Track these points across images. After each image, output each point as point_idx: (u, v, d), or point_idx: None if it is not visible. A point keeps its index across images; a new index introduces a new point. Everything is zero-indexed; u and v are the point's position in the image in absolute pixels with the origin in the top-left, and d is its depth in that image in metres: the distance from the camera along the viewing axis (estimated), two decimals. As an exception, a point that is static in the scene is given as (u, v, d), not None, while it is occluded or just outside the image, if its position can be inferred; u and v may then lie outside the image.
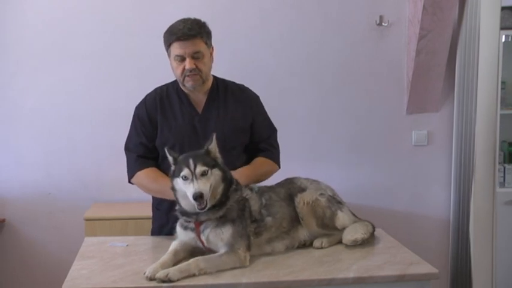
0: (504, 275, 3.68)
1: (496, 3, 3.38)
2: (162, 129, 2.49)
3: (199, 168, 2.06)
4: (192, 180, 2.05)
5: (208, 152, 2.13)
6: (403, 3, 3.67)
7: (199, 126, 2.48)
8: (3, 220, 3.55)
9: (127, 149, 2.55)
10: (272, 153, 2.61)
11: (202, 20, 2.47)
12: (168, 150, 2.17)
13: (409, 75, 3.70)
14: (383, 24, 3.66)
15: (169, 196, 2.27)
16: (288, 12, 3.64)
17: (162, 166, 2.49)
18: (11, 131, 3.54)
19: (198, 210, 2.07)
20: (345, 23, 3.68)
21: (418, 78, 3.65)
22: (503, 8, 3.46)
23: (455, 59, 3.70)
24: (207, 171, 2.07)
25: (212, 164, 2.10)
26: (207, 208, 2.06)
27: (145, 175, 2.48)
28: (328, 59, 3.70)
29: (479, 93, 3.46)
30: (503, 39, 3.61)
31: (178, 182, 2.10)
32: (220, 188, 2.11)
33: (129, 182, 2.55)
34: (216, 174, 2.10)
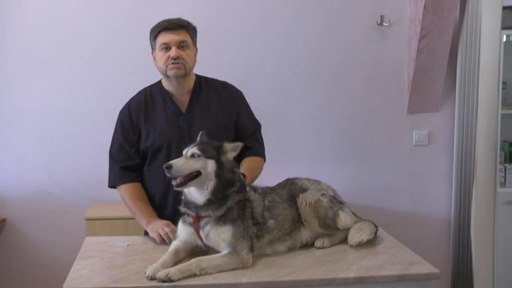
0: (505, 275, 3.68)
1: (497, 3, 3.38)
2: (148, 132, 2.50)
3: (191, 150, 2.11)
4: (182, 156, 2.11)
5: (220, 147, 2.14)
6: (404, 3, 3.67)
7: (184, 125, 2.49)
8: (4, 220, 3.55)
9: (110, 155, 2.58)
10: (259, 149, 2.63)
11: (194, 19, 2.53)
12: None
13: (410, 75, 3.70)
14: (384, 24, 3.66)
15: (139, 221, 2.47)
16: (289, 12, 3.64)
17: (149, 167, 2.52)
18: (12, 131, 3.54)
19: (174, 187, 2.11)
20: (346, 23, 3.68)
21: (419, 78, 3.65)
22: (504, 8, 3.46)
23: (456, 59, 3.70)
24: (198, 155, 2.09)
25: (210, 155, 2.10)
26: (177, 186, 2.08)
27: (126, 192, 2.53)
28: (329, 59, 3.69)
29: (480, 93, 3.46)
30: (504, 39, 3.61)
31: None
32: (211, 182, 2.09)
33: (109, 187, 2.60)
34: (208, 164, 2.09)
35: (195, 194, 2.12)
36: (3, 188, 3.55)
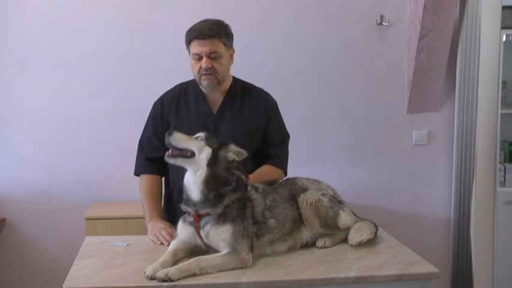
0: (505, 275, 3.68)
1: (497, 3, 3.38)
2: (176, 126, 2.53)
3: (199, 133, 2.16)
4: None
5: (224, 144, 2.16)
6: (403, 2, 3.67)
7: (212, 126, 2.51)
8: (4, 219, 3.55)
9: (140, 145, 2.64)
10: (281, 160, 2.62)
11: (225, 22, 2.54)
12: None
13: (409, 75, 3.70)
14: (384, 23, 3.66)
15: (144, 215, 2.53)
16: (289, 12, 3.64)
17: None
18: (12, 130, 3.54)
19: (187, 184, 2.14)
20: (346, 23, 3.68)
21: (418, 78, 3.65)
22: (504, 8, 3.46)
23: (455, 59, 3.70)
24: (200, 138, 2.14)
25: (211, 145, 2.12)
26: (168, 156, 2.13)
27: (144, 184, 2.59)
28: (329, 59, 3.69)
29: (480, 92, 3.46)
30: (503, 39, 3.61)
31: None
32: (203, 171, 2.10)
33: (134, 175, 2.65)
34: (204, 151, 2.11)
35: (190, 179, 2.12)
36: (3, 188, 3.55)
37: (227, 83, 2.56)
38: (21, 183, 3.56)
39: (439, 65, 3.64)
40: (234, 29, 3.58)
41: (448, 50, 3.62)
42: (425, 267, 2.11)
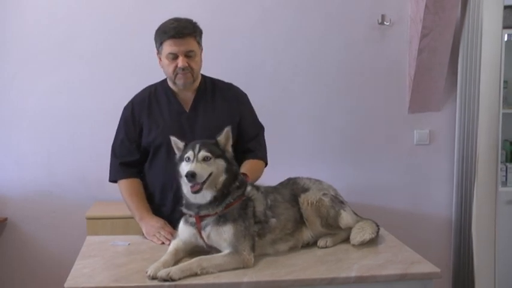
0: (506, 274, 3.67)
1: (499, 2, 3.38)
2: (150, 128, 2.53)
3: (202, 153, 2.08)
4: (193, 161, 2.07)
5: (216, 143, 2.15)
6: (405, 2, 3.66)
7: (187, 124, 2.51)
8: (5, 219, 3.55)
9: (112, 150, 2.62)
10: (261, 152, 2.63)
11: (194, 19, 2.51)
12: (174, 139, 2.20)
13: (411, 74, 3.69)
14: (385, 23, 3.65)
15: (133, 215, 2.51)
16: (289, 12, 3.64)
17: (150, 164, 2.55)
18: (13, 130, 3.54)
19: (192, 196, 2.07)
20: (347, 22, 3.67)
21: (420, 77, 3.65)
22: (505, 7, 3.46)
23: (457, 58, 3.69)
24: (210, 157, 2.09)
25: (218, 154, 2.11)
26: (201, 190, 2.05)
27: (124, 187, 2.57)
28: (330, 59, 3.69)
29: (482, 92, 3.46)
30: (505, 38, 3.62)
31: (182, 166, 2.12)
32: (221, 179, 2.11)
33: (109, 181, 2.64)
34: (219, 164, 2.11)
35: (204, 193, 2.09)
36: (4, 188, 3.55)
37: (197, 81, 2.57)
38: (21, 183, 3.55)
39: (440, 64, 3.64)
40: (234, 29, 3.61)
41: (449, 50, 3.62)
42: (426, 266, 2.10)
